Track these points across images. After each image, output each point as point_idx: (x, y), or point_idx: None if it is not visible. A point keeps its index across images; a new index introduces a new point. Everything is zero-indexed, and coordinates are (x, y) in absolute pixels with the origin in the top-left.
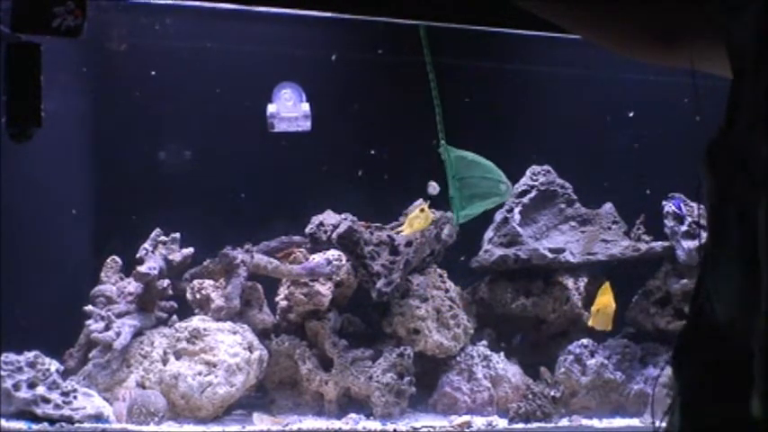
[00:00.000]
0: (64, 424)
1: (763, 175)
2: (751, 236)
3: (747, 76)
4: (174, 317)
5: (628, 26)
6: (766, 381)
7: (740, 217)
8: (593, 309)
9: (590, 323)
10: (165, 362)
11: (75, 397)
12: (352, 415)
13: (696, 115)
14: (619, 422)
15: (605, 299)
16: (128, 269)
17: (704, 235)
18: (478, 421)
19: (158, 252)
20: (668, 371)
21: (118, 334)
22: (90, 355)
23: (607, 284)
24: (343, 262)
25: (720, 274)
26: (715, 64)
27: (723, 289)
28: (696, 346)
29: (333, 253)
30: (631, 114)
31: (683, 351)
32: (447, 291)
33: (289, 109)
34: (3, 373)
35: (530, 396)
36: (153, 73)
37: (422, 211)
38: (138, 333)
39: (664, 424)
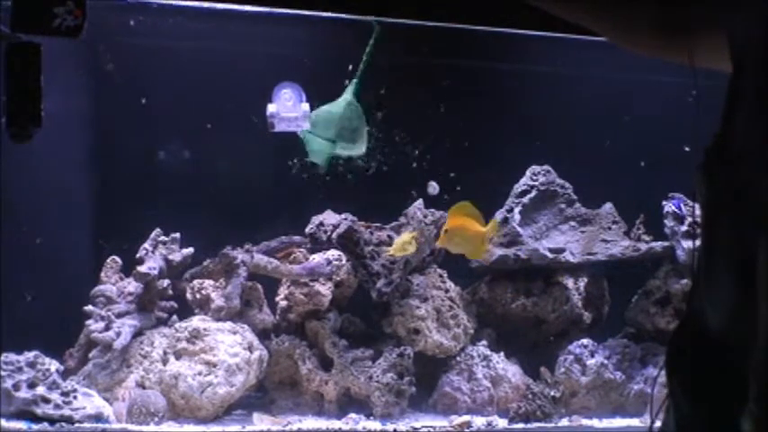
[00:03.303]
0: (64, 424)
1: (764, 217)
2: (747, 253)
3: (745, 92)
4: (174, 317)
5: (629, 17)
6: (759, 405)
7: (736, 235)
8: (443, 228)
9: (438, 243)
10: (165, 362)
11: (75, 397)
12: (352, 415)
13: (696, 114)
14: (619, 422)
15: (455, 220)
16: (128, 269)
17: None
18: (478, 421)
19: (158, 252)
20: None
21: (118, 334)
22: (90, 355)
23: (465, 204)
24: (343, 262)
25: (713, 283)
26: (716, 61)
27: (716, 299)
28: (688, 351)
29: (333, 253)
30: (633, 114)
31: (676, 354)
32: (447, 291)
33: (289, 109)
34: (3, 373)
35: (530, 396)
36: (153, 73)
37: (411, 238)
38: (138, 333)
39: (658, 423)
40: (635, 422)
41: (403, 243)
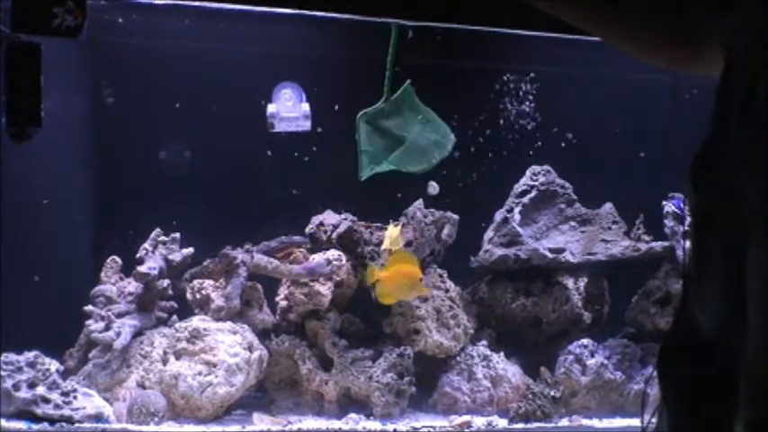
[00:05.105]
0: (64, 424)
1: (752, 217)
2: (736, 260)
3: (736, 93)
4: (174, 317)
5: (650, 30)
6: (750, 409)
7: (729, 242)
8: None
9: (378, 296)
10: (165, 362)
11: (75, 397)
12: (353, 415)
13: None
14: (619, 422)
15: (399, 267)
16: (128, 269)
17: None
18: (478, 421)
19: (158, 252)
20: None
21: (118, 334)
22: (90, 355)
23: (397, 229)
24: (343, 262)
25: (705, 289)
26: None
27: (708, 304)
28: (680, 355)
29: (333, 253)
30: (634, 114)
31: (668, 358)
32: (447, 291)
33: (289, 109)
34: (3, 373)
35: (530, 396)
36: (154, 73)
37: (395, 226)
38: (138, 333)
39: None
40: (635, 422)
41: (396, 236)
